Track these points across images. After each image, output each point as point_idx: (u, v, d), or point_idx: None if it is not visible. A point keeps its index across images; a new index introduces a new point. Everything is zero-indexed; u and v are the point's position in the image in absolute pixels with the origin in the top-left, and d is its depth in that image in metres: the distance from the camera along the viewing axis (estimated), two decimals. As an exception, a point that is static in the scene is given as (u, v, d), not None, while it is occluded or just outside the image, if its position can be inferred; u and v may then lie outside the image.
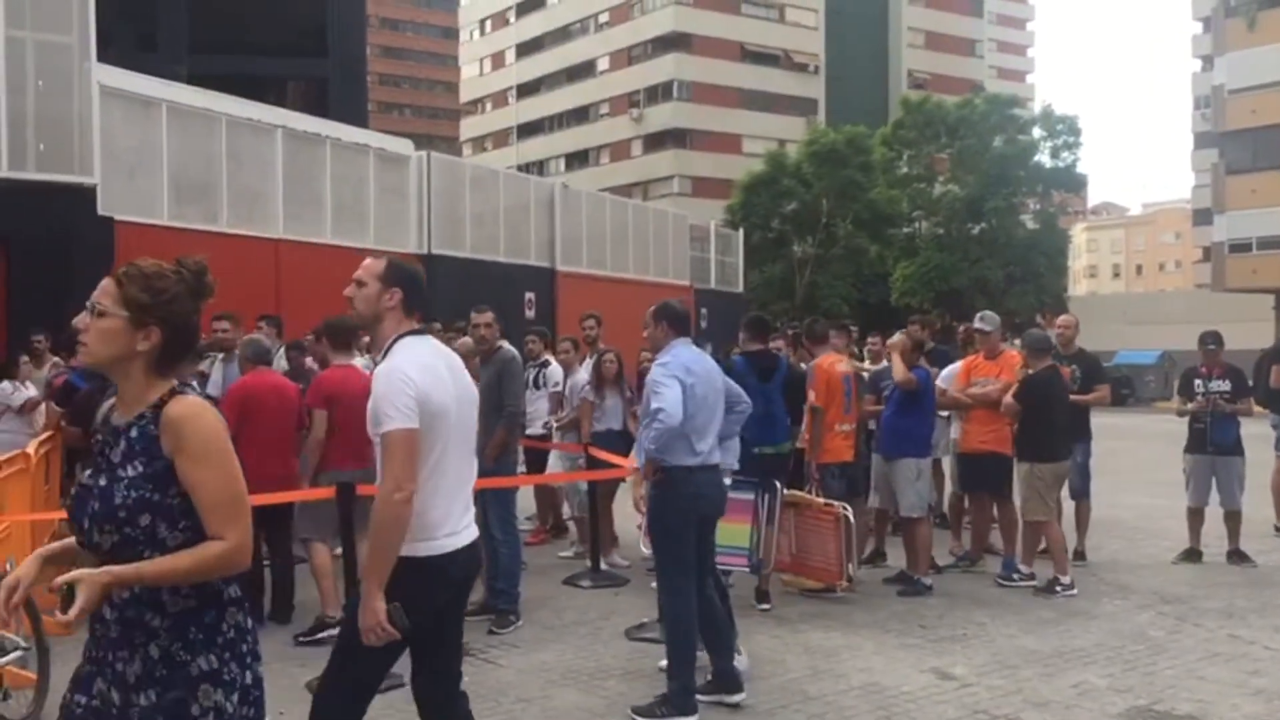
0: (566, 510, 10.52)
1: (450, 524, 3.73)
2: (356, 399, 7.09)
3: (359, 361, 8.70)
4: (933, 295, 43.78)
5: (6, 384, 9.94)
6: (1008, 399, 8.40)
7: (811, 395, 8.01)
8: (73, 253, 13.42)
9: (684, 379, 5.58)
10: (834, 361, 8.37)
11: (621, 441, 8.92)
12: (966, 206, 45.03)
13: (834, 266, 45.77)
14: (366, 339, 8.65)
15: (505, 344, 7.76)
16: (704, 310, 28.39)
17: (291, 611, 7.57)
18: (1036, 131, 47.13)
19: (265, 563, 7.71)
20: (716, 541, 6.01)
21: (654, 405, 5.61)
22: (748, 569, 7.26)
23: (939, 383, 8.93)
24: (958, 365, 9.47)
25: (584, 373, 9.67)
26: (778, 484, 7.32)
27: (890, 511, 9.10)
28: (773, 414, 7.44)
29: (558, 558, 9.77)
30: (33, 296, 12.90)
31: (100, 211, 13.79)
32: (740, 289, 32.11)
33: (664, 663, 5.71)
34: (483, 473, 7.33)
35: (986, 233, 45.21)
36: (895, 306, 42.47)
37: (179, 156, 15.31)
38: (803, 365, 8.73)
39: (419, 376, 3.60)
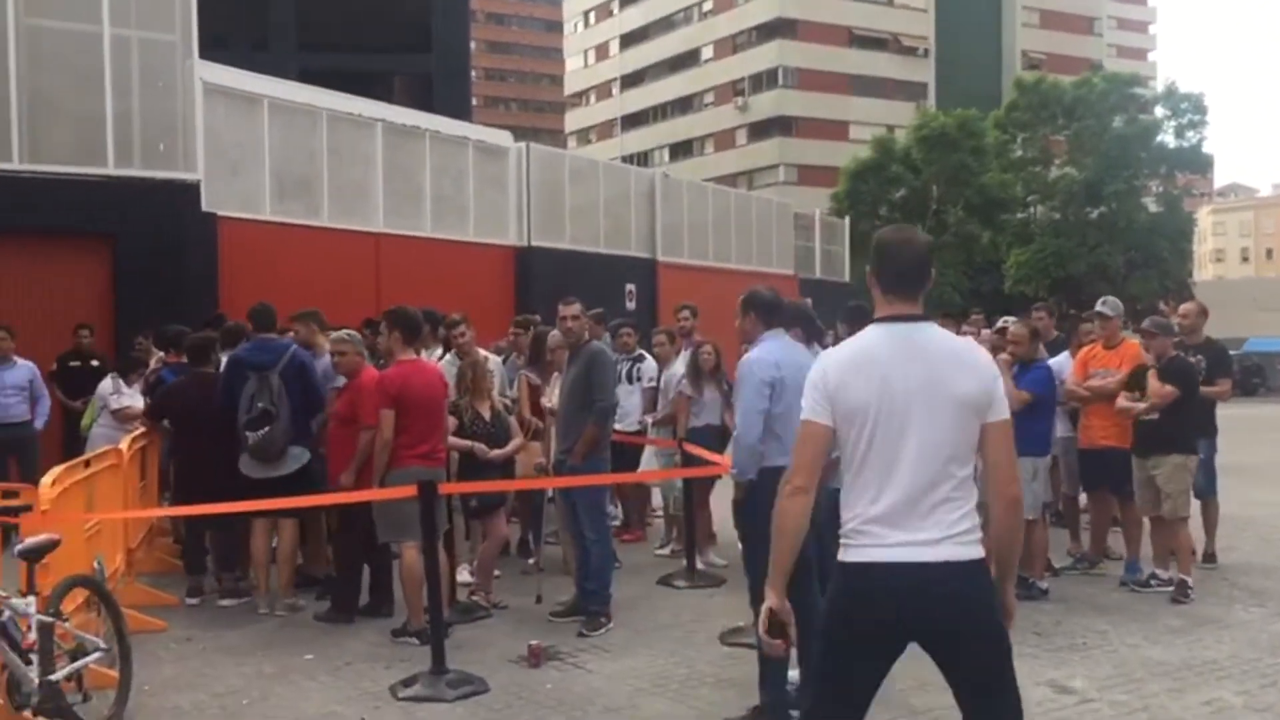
0: (659, 502, 10.26)
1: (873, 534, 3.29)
2: (426, 395, 6.93)
3: (438, 356, 8.57)
4: (1048, 282, 42.38)
5: (108, 382, 10.04)
6: (1155, 384, 7.82)
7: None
8: (177, 249, 13.58)
9: (769, 376, 5.23)
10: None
11: (719, 437, 8.58)
12: (1084, 190, 43.44)
13: (944, 254, 44.44)
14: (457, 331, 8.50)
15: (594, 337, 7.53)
16: (809, 300, 27.81)
17: (391, 605, 7.44)
18: (1159, 111, 45.32)
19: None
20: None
21: (736, 420, 5.34)
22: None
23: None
24: (1064, 356, 8.96)
25: (680, 366, 9.37)
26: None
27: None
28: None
29: (653, 555, 9.49)
30: (139, 292, 13.07)
31: (204, 208, 13.92)
32: (847, 279, 31.40)
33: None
34: (572, 470, 7.21)
35: (1106, 217, 43.57)
36: (1009, 294, 41.22)
37: (281, 152, 15.42)
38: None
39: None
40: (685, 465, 8.59)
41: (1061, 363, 8.87)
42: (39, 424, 10.70)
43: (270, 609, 7.64)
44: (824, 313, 22.57)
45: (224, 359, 8.59)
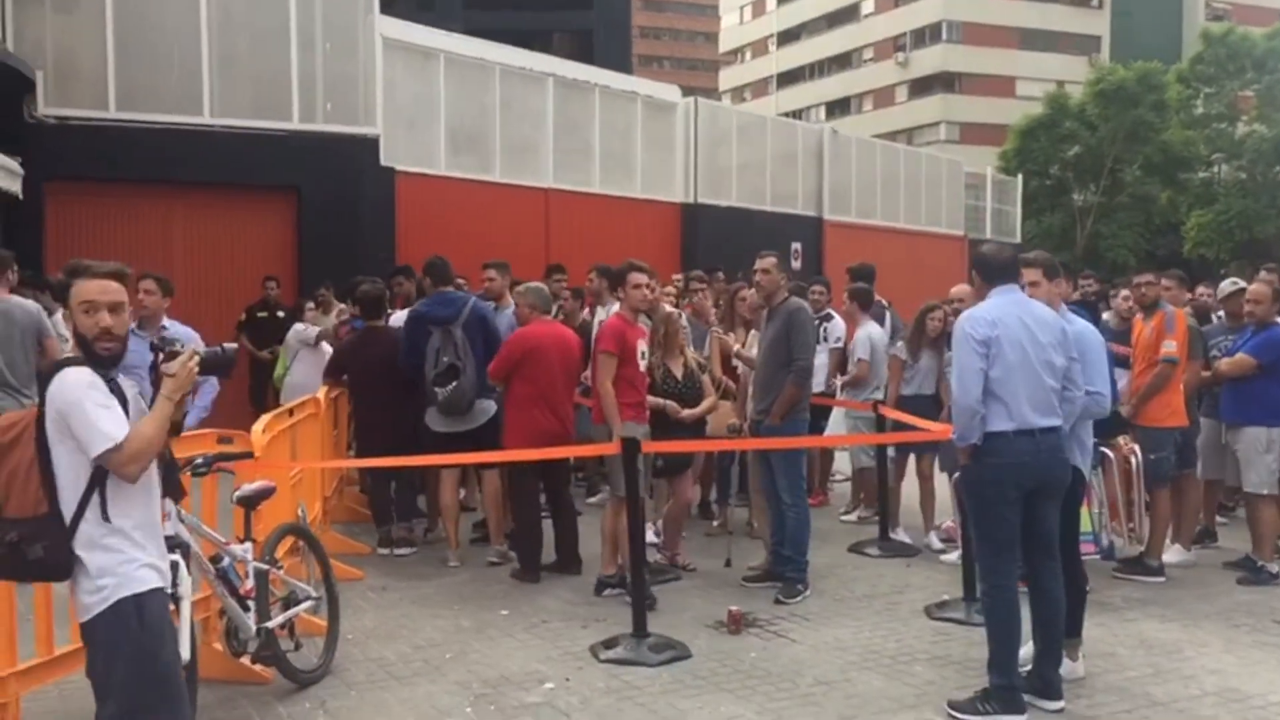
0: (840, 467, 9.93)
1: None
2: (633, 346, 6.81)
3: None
4: (1231, 246, 39.90)
5: (298, 328, 10.23)
6: None
7: (1172, 345, 7.03)
8: (358, 203, 13.77)
9: (983, 334, 4.84)
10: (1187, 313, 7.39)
11: (934, 407, 8.13)
12: (1275, 148, 40.63)
13: (1119, 215, 42.43)
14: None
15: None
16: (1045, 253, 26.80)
17: (579, 565, 7.35)
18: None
19: (545, 514, 7.52)
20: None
21: (952, 382, 5.01)
22: (1098, 556, 6.35)
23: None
24: None
25: (872, 328, 8.97)
26: (1106, 451, 6.42)
27: (1226, 485, 8.00)
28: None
29: (839, 521, 9.18)
30: (321, 245, 13.32)
31: (383, 162, 14.08)
32: (1018, 239, 30.16)
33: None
34: (770, 432, 6.94)
35: (1298, 176, 40.77)
36: (1187, 258, 39.02)
37: (455, 106, 15.47)
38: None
39: None
40: (878, 429, 8.23)
41: None
42: (191, 419, 6.47)
43: (460, 561, 7.63)
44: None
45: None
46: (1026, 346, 4.86)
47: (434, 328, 7.64)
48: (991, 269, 5.08)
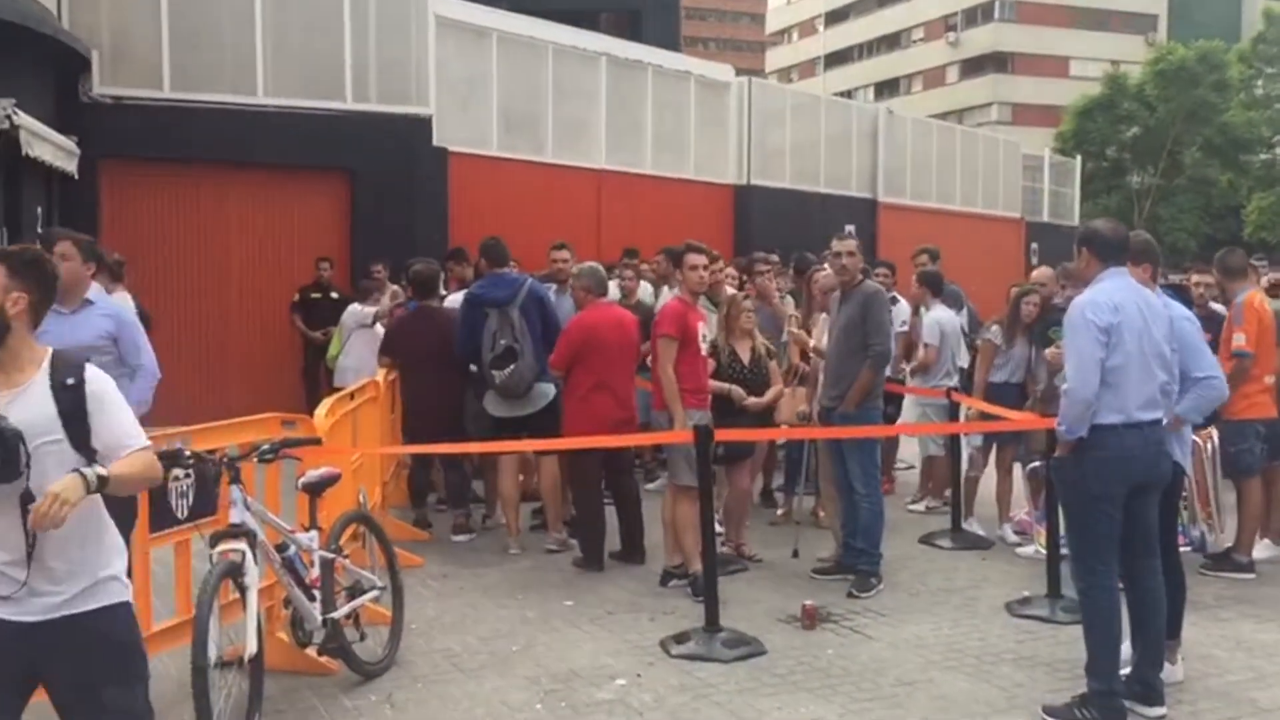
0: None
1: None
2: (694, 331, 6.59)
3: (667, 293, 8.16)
4: (1293, 230, 39.10)
5: (355, 305, 10.12)
6: None
7: (1241, 338, 6.71)
8: (410, 184, 13.62)
9: (1105, 321, 4.55)
10: (1263, 299, 7.02)
11: (1019, 397, 7.85)
12: (1339, 129, 39.71)
13: (1179, 198, 41.60)
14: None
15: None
16: (1034, 245, 26.32)
17: (643, 554, 7.16)
18: None
19: (607, 501, 7.34)
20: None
21: (1067, 371, 4.69)
22: (1189, 548, 6.06)
23: None
24: None
25: (941, 310, 8.68)
26: (1195, 439, 6.12)
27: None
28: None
29: (906, 511, 8.92)
30: (374, 225, 13.18)
31: (435, 142, 13.91)
32: (1075, 222, 29.56)
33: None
34: (844, 419, 6.70)
35: (1362, 159, 39.75)
36: (1248, 242, 38.16)
37: (507, 86, 15.26)
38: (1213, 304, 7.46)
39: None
40: (951, 418, 7.97)
41: None
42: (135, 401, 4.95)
43: (521, 548, 7.47)
44: (1053, 259, 21.20)
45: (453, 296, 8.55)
46: (1142, 336, 4.59)
47: (490, 310, 7.46)
48: (1110, 247, 4.74)
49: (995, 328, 8.04)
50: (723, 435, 6.03)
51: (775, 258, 10.42)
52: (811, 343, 7.78)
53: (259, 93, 12.95)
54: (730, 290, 8.21)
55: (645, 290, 9.72)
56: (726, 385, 7.08)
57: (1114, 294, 4.64)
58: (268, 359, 12.91)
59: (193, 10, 12.67)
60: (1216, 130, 40.89)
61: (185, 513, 4.76)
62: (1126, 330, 4.59)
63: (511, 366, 7.33)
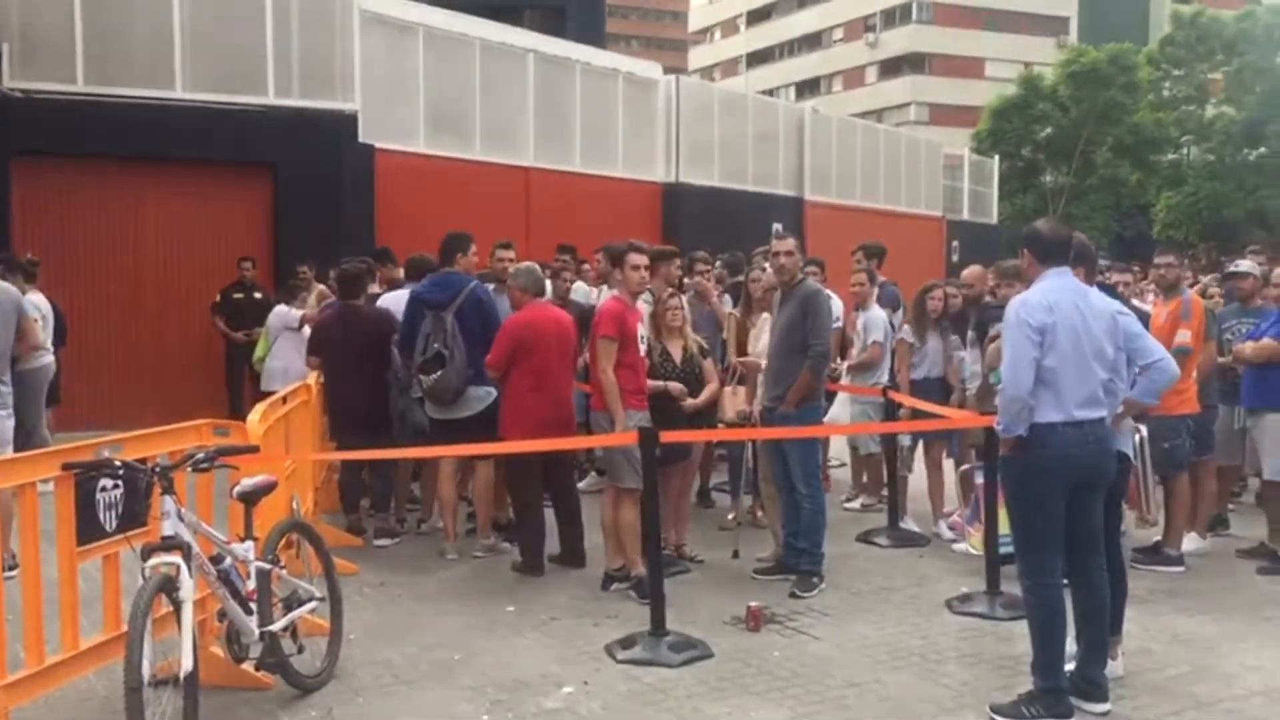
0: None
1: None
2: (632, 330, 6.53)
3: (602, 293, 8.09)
4: (1200, 228, 40.16)
5: (282, 306, 9.88)
6: None
7: (1187, 335, 6.83)
8: (336, 181, 13.36)
9: (1040, 321, 4.58)
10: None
11: (942, 392, 7.94)
12: (1243, 130, 40.83)
13: (1091, 197, 42.58)
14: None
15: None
16: (955, 243, 26.75)
17: (583, 558, 7.07)
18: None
19: (547, 505, 7.24)
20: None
21: (1002, 370, 4.72)
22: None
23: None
24: None
25: (878, 309, 8.73)
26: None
27: (1243, 472, 7.85)
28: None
29: (841, 509, 8.94)
30: (299, 223, 12.91)
31: (361, 139, 13.66)
32: (994, 220, 30.14)
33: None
34: (785, 419, 6.68)
35: (1267, 159, 40.94)
36: (1156, 240, 39.19)
37: (434, 82, 15.06)
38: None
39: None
40: (887, 418, 8.01)
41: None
42: None
43: (458, 554, 7.34)
44: (973, 256, 21.58)
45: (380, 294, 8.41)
46: (1080, 335, 4.62)
47: (429, 311, 7.33)
48: (1049, 247, 4.78)
49: (908, 327, 8.16)
50: (668, 437, 5.96)
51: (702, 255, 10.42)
52: (751, 347, 7.76)
53: (177, 86, 12.61)
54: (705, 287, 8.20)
55: (579, 290, 9.63)
56: (663, 382, 7.00)
57: (1050, 294, 4.68)
58: (188, 361, 12.60)
59: (108, 1, 12.27)
60: (1127, 130, 41.94)
61: (114, 524, 4.56)
62: (1062, 329, 4.62)
63: (439, 372, 7.22)
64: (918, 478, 8.56)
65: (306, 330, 9.31)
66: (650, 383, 6.87)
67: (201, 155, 12.75)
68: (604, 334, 6.44)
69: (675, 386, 6.95)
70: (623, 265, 6.69)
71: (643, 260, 6.69)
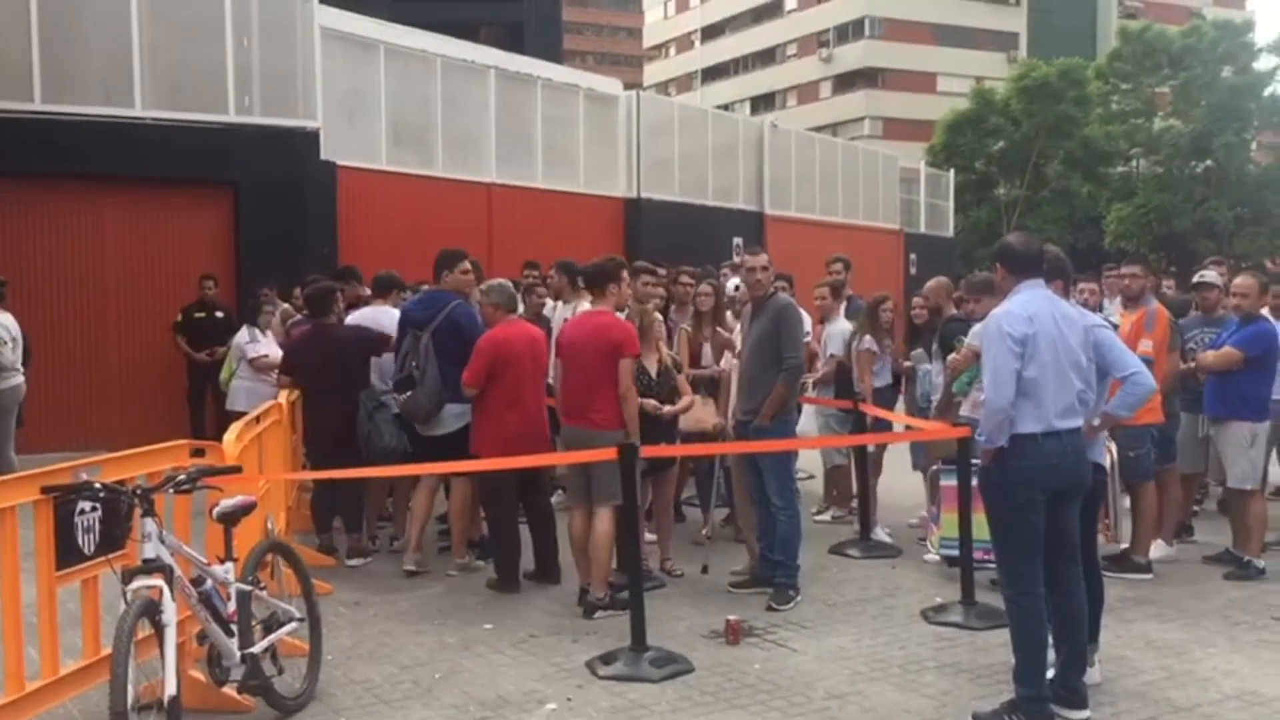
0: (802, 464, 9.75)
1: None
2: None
3: (584, 306, 8.11)
4: (1150, 239, 40.88)
5: (244, 332, 9.78)
6: None
7: (1149, 345, 6.95)
8: (298, 198, 13.27)
9: (1021, 332, 4.65)
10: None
11: (894, 397, 8.08)
12: (1191, 143, 41.65)
13: (1044, 209, 43.21)
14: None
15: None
16: (913, 256, 27.03)
17: (558, 573, 7.06)
18: (1270, 59, 43.19)
19: (521, 520, 7.22)
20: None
21: (984, 382, 4.78)
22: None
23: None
24: None
25: (844, 323, 8.81)
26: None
27: (1205, 479, 7.99)
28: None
29: (813, 521, 8.98)
30: (261, 241, 12.80)
31: (323, 156, 13.58)
32: (950, 233, 30.49)
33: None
34: (759, 433, 6.72)
35: (1213, 171, 41.79)
36: (1108, 250, 39.85)
37: (396, 99, 15.02)
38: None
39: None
40: (858, 429, 8.08)
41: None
42: None
43: (415, 565, 7.30)
44: (931, 269, 21.83)
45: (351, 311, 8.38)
46: (1059, 346, 4.70)
47: (411, 330, 7.37)
48: (1021, 261, 4.86)
49: (868, 338, 8.27)
50: (647, 452, 5.99)
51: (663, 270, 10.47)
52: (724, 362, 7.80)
53: (136, 104, 12.47)
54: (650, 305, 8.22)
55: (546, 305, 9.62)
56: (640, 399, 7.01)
57: (1028, 305, 4.75)
58: (149, 381, 12.45)
59: (65, 18, 12.14)
60: (1077, 143, 42.62)
61: (92, 548, 4.50)
62: (1042, 340, 4.70)
63: (410, 392, 7.23)
64: (886, 488, 8.65)
65: (262, 351, 9.33)
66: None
67: (161, 174, 12.62)
68: (634, 353, 6.53)
69: (651, 404, 6.95)
70: (624, 282, 6.72)
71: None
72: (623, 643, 5.62)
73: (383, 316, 8.11)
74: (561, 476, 7.90)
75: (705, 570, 7.33)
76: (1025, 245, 4.98)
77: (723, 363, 7.84)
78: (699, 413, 7.52)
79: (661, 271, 8.47)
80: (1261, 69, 42.55)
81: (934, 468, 7.75)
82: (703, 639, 5.97)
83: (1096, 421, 4.94)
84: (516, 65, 17.36)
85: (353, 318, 8.33)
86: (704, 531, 8.13)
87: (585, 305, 7.38)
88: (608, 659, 5.54)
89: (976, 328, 7.23)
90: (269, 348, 9.57)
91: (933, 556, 7.62)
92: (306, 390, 7.83)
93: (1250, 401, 7.18)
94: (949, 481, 6.83)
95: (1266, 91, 42.43)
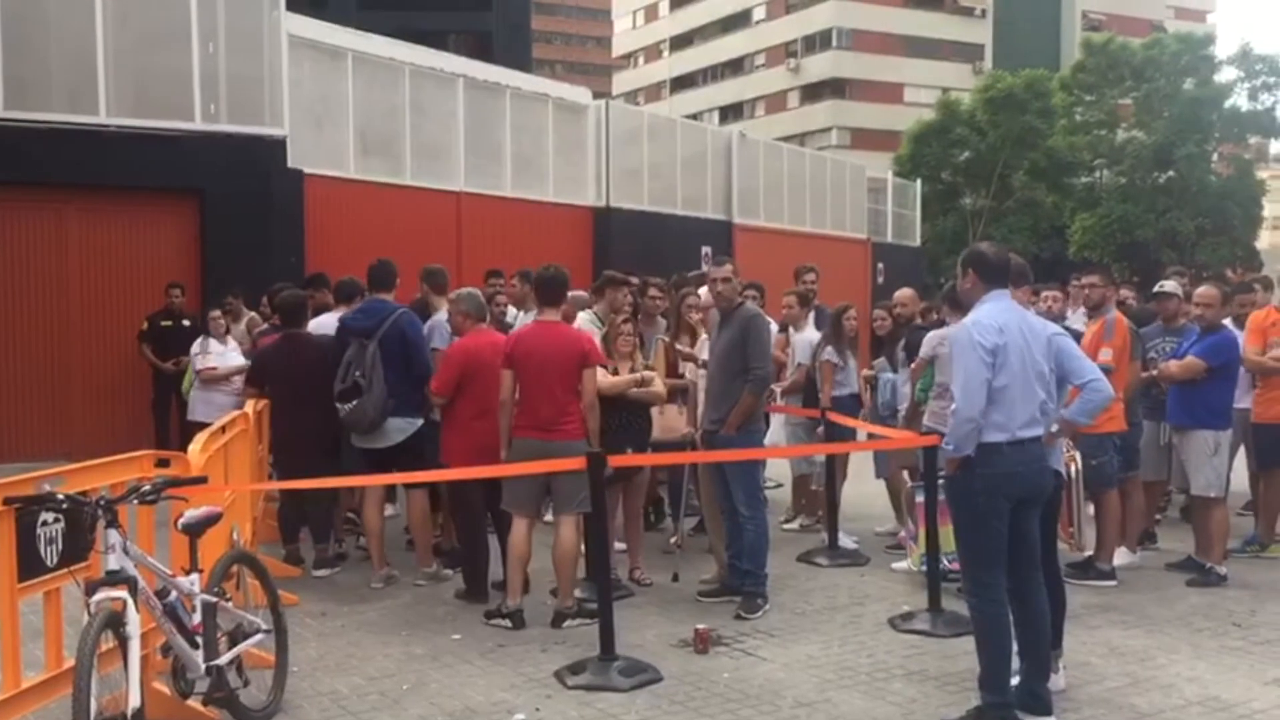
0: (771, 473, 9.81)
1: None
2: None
3: (584, 317, 8.12)
4: (1114, 249, 41.33)
5: (197, 344, 9.70)
6: None
7: (1108, 354, 7.02)
8: (265, 206, 13.18)
9: (992, 342, 4.70)
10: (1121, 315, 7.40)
11: (856, 406, 8.13)
12: (1153, 154, 42.17)
13: (1009, 219, 43.63)
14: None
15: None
16: (880, 265, 27.18)
17: (527, 584, 7.01)
18: (1231, 72, 43.86)
19: (491, 531, 7.20)
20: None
21: (954, 391, 4.82)
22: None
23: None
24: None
25: (811, 331, 8.86)
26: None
27: (1167, 487, 8.08)
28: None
29: (780, 530, 9.01)
30: (227, 249, 12.70)
31: (290, 164, 13.51)
32: (917, 242, 30.69)
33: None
34: (726, 443, 6.74)
35: (1175, 181, 42.28)
36: (1072, 260, 40.23)
37: (364, 107, 14.96)
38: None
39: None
40: (830, 438, 8.12)
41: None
42: None
43: (384, 583, 7.26)
44: (898, 278, 22.00)
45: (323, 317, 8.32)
46: (1025, 356, 4.75)
47: (353, 339, 7.30)
48: (992, 269, 4.90)
49: (830, 348, 8.33)
50: (616, 461, 5.99)
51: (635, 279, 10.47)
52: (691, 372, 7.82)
53: (101, 111, 12.36)
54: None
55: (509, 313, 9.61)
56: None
57: (998, 315, 4.80)
58: (114, 390, 12.33)
59: (27, 23, 12.04)
60: (1042, 154, 43.06)
61: (55, 559, 4.45)
62: (1011, 350, 4.75)
63: (354, 402, 7.18)
64: (852, 496, 8.71)
65: (211, 363, 9.29)
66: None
67: (127, 181, 12.52)
68: (600, 363, 6.61)
69: (632, 378, 6.95)
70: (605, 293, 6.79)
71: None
72: (591, 652, 5.62)
73: None
74: None
75: (676, 579, 7.33)
76: (997, 255, 5.04)
77: (686, 373, 7.85)
78: (671, 420, 7.54)
79: (635, 280, 8.44)
80: (1222, 81, 43.21)
81: (909, 485, 7.80)
82: (671, 648, 5.98)
83: (1055, 428, 4.98)
84: (485, 74, 17.35)
85: (313, 324, 8.25)
86: (674, 540, 8.14)
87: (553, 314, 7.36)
88: (576, 668, 5.53)
89: (930, 335, 7.32)
90: (220, 359, 9.51)
91: (901, 565, 7.66)
92: (278, 399, 7.77)
93: (1214, 410, 7.27)
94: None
95: (1227, 104, 43.07)
